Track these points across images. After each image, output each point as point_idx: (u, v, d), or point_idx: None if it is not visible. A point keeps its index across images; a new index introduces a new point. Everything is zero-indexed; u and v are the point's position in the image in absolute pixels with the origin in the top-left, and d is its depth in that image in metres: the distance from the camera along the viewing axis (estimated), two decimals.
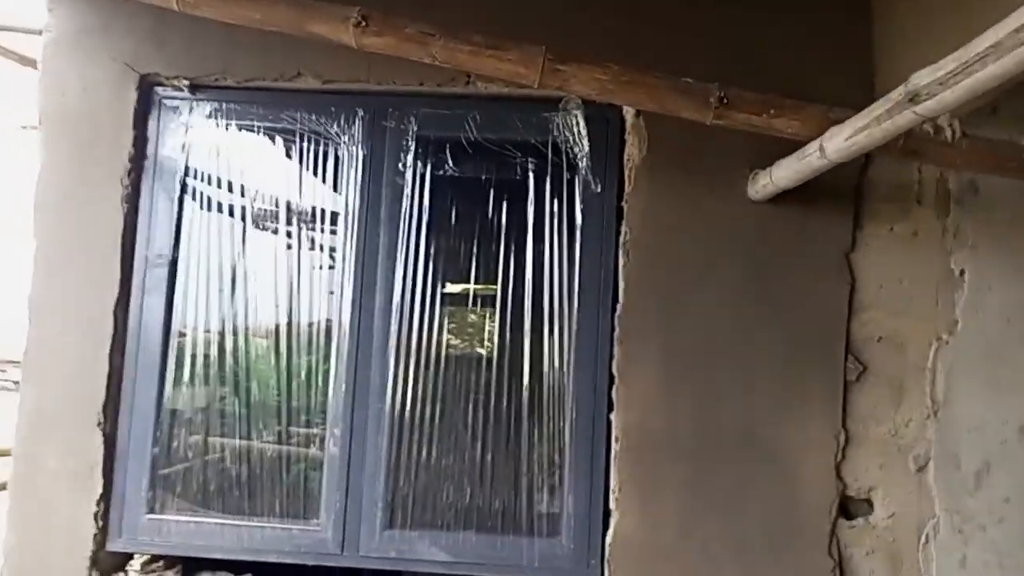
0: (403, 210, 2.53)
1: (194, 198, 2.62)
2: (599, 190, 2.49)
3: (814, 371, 2.36)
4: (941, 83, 1.34)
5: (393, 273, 2.51)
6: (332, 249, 2.62)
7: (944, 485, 2.32)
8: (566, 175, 2.52)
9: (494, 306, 2.61)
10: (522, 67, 1.89)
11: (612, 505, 2.36)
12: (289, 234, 2.66)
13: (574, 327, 2.47)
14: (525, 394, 2.51)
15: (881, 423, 2.35)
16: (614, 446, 2.37)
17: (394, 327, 2.50)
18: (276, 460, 2.59)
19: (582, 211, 2.49)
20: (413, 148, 2.54)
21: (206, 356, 2.60)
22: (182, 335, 2.58)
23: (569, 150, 2.51)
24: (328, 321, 2.58)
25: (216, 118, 2.59)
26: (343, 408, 2.48)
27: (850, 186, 2.40)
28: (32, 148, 2.60)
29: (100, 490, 2.45)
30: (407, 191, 2.53)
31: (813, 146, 1.89)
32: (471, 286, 2.68)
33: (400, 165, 2.54)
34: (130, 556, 2.51)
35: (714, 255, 2.41)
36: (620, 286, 2.42)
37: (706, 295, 2.40)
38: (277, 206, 2.66)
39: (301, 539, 2.46)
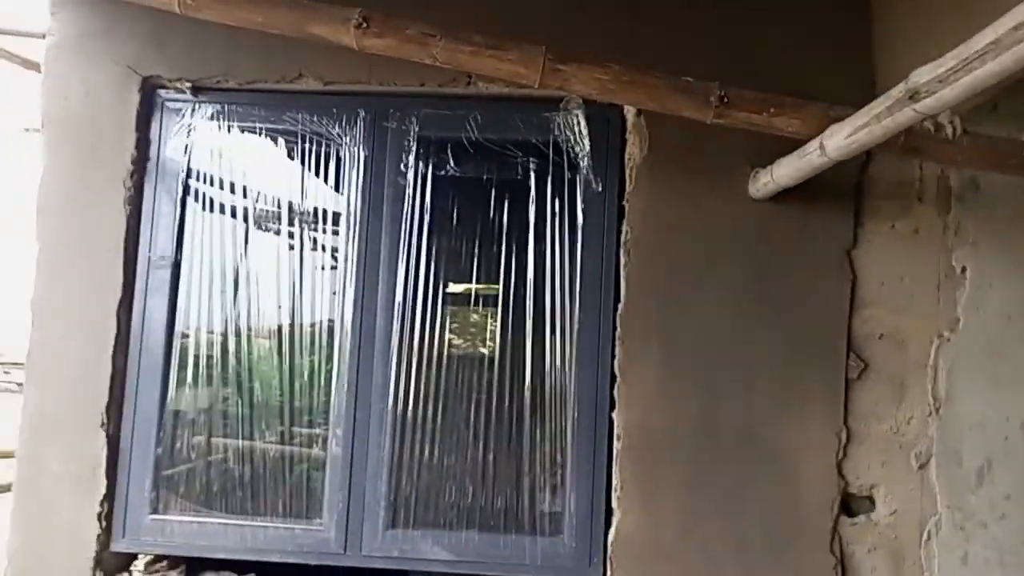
0: (405, 210, 2.54)
1: (197, 200, 2.63)
2: (600, 189, 2.49)
3: (815, 369, 2.37)
4: (941, 80, 1.34)
5: (395, 273, 2.52)
6: (334, 250, 2.63)
7: (946, 482, 2.32)
8: (567, 175, 2.52)
9: (496, 305, 2.61)
10: (522, 67, 1.90)
11: (614, 504, 2.36)
12: (291, 235, 2.66)
13: (575, 326, 2.47)
14: (527, 393, 2.52)
15: (883, 420, 2.35)
16: (616, 445, 2.38)
17: (396, 327, 2.51)
18: (279, 460, 2.60)
19: (583, 210, 2.50)
20: (414, 148, 2.55)
21: (209, 357, 2.61)
22: (185, 336, 2.59)
23: (570, 150, 2.51)
24: (330, 321, 2.59)
25: (218, 120, 2.60)
26: (345, 408, 2.49)
27: (851, 184, 2.40)
28: (35, 151, 2.61)
29: (104, 491, 2.46)
30: (409, 191, 2.54)
31: (813, 144, 1.90)
32: (473, 286, 2.69)
33: (402, 165, 2.55)
34: (134, 556, 2.52)
35: (715, 254, 2.42)
36: (621, 285, 2.42)
37: (707, 294, 2.40)
38: (279, 207, 2.67)
39: (304, 539, 2.46)
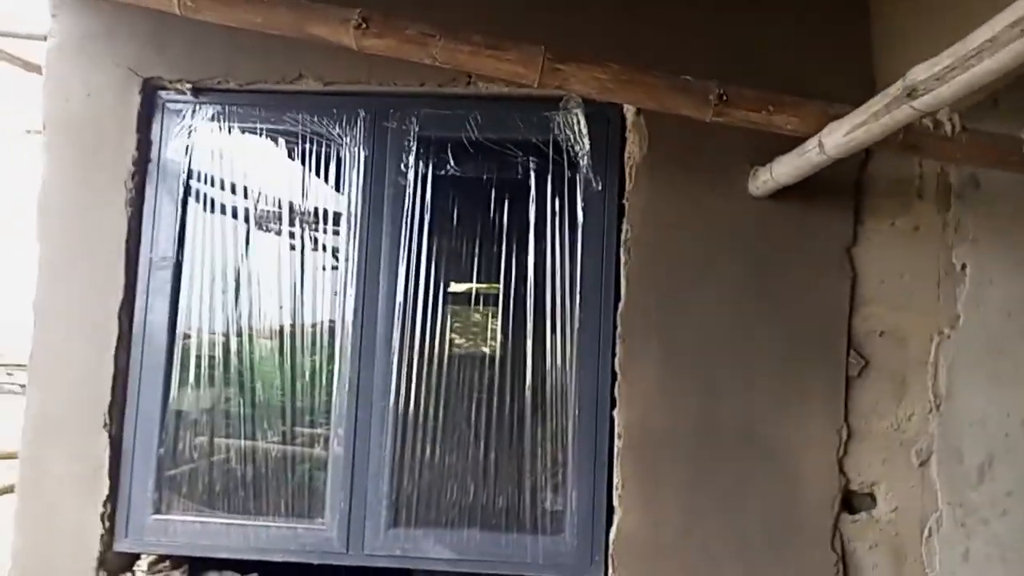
0: (405, 210, 2.54)
1: (198, 200, 2.64)
2: (600, 188, 2.50)
3: (816, 366, 2.37)
4: (938, 78, 1.34)
5: (396, 273, 2.53)
6: (335, 250, 2.63)
7: (947, 479, 2.32)
8: (567, 174, 2.53)
9: (496, 305, 2.62)
10: (521, 67, 1.90)
11: (615, 502, 2.37)
12: (292, 235, 2.67)
13: (576, 325, 2.48)
14: (528, 392, 2.52)
15: (883, 417, 2.36)
16: (617, 443, 2.38)
17: (397, 327, 2.51)
18: (281, 460, 2.60)
19: (583, 209, 2.50)
20: (415, 148, 2.56)
21: (211, 357, 2.61)
22: (187, 337, 2.60)
23: (570, 149, 2.52)
24: (331, 321, 2.60)
25: (219, 121, 2.61)
26: (347, 408, 2.50)
27: (851, 181, 2.41)
28: (36, 152, 2.62)
29: (106, 491, 2.47)
30: (409, 191, 2.55)
31: (812, 142, 1.90)
32: (473, 285, 2.70)
33: (402, 165, 2.56)
34: (137, 556, 2.53)
35: (715, 252, 2.42)
36: (622, 284, 2.43)
37: (707, 292, 2.41)
38: (280, 207, 2.68)
39: (306, 538, 2.47)
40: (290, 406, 2.63)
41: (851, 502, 2.36)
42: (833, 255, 2.40)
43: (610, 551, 2.36)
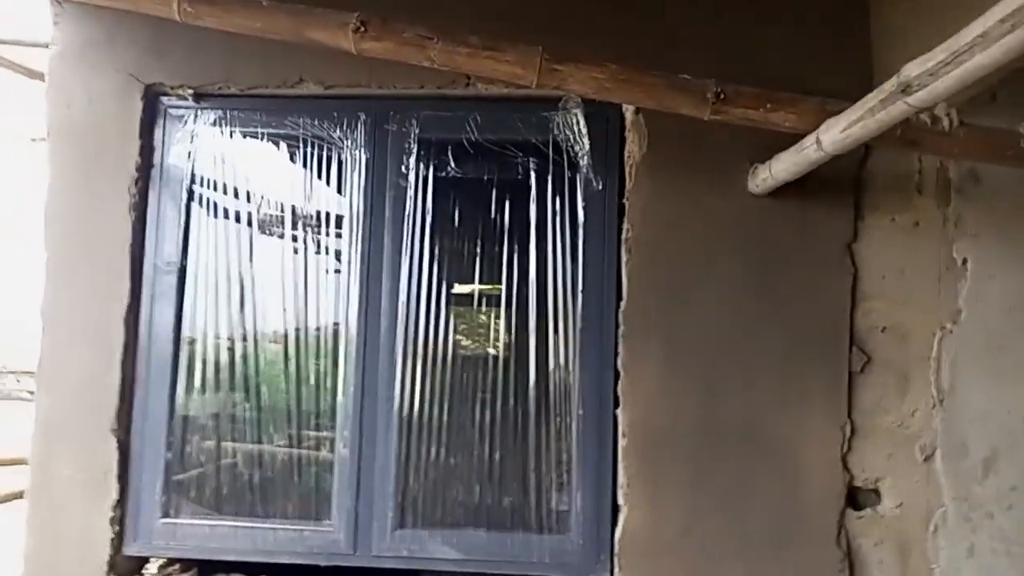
0: (407, 212, 2.55)
1: (201, 205, 2.66)
2: (600, 188, 2.50)
3: (819, 363, 2.37)
4: (932, 73, 1.35)
5: (398, 275, 2.54)
6: (338, 252, 2.65)
7: (951, 474, 2.32)
8: (567, 174, 2.53)
9: (499, 305, 2.63)
10: (519, 68, 1.91)
11: (620, 501, 2.38)
12: (295, 238, 2.69)
13: (579, 324, 2.48)
14: (532, 392, 2.53)
15: (887, 413, 2.36)
16: (621, 442, 2.39)
17: (400, 328, 2.53)
18: (288, 463, 2.62)
19: (584, 209, 2.51)
20: (415, 150, 2.57)
21: (216, 362, 2.63)
22: (192, 341, 2.62)
23: (570, 149, 2.52)
24: (335, 324, 2.61)
25: (220, 125, 2.63)
26: (352, 410, 2.51)
27: (850, 177, 2.41)
28: (39, 159, 2.64)
29: (115, 496, 2.49)
30: (410, 193, 2.56)
31: (810, 139, 1.91)
32: (476, 286, 2.71)
33: (403, 168, 2.57)
34: (146, 560, 2.55)
35: (716, 250, 2.42)
36: (623, 283, 2.43)
37: (709, 290, 2.41)
38: (283, 211, 2.70)
39: (313, 540, 2.49)
40: (296, 409, 2.65)
41: (856, 498, 2.36)
42: (834, 252, 2.40)
43: (616, 550, 2.37)
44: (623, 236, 2.45)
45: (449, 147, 2.58)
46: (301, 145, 2.62)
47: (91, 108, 2.60)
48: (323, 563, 2.48)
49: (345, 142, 2.59)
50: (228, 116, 2.62)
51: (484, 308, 2.72)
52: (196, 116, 2.63)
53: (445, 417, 2.56)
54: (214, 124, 2.63)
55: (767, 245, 2.41)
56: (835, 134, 1.77)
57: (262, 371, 2.67)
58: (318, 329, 2.65)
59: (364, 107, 2.58)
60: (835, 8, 2.47)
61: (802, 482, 2.34)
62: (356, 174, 2.58)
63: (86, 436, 2.51)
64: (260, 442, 2.64)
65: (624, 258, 2.44)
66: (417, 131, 2.57)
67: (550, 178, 2.54)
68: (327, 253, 2.71)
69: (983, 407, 2.33)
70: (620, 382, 2.40)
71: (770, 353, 2.38)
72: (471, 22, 2.02)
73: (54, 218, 2.59)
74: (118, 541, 2.49)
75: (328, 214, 2.68)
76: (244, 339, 2.65)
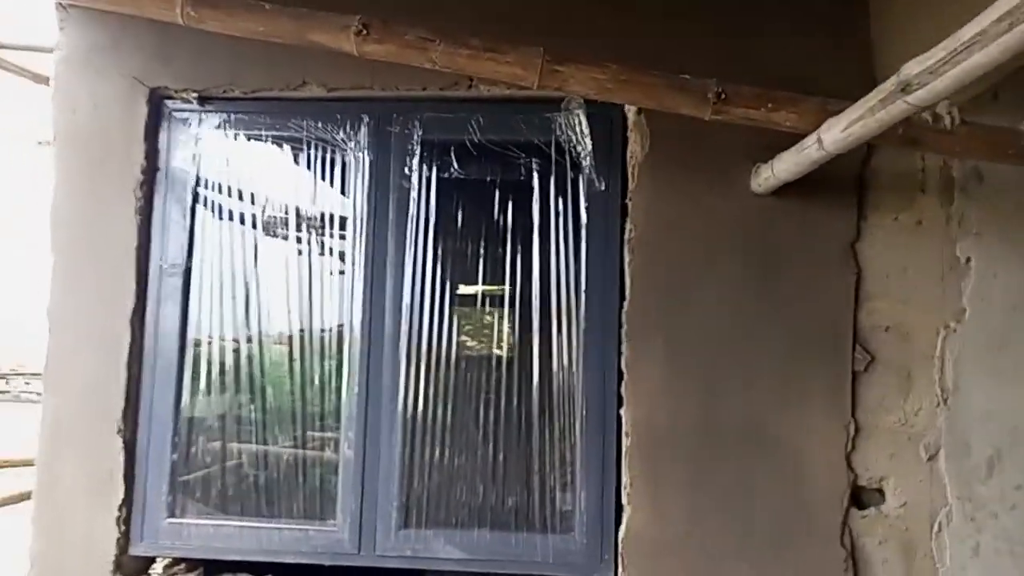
0: (410, 214, 2.57)
1: (206, 207, 2.68)
2: (603, 188, 2.51)
3: (822, 362, 2.37)
4: (931, 72, 1.35)
5: (402, 276, 2.55)
6: (342, 254, 2.66)
7: (955, 473, 2.32)
8: (570, 174, 2.54)
9: (502, 306, 2.64)
10: (520, 69, 1.92)
11: (624, 500, 2.38)
12: (299, 240, 2.70)
13: (582, 325, 2.49)
14: (535, 392, 2.54)
15: (890, 412, 2.36)
16: (624, 442, 2.39)
17: (404, 329, 2.54)
18: (292, 464, 2.63)
19: (587, 209, 2.52)
20: (418, 152, 2.58)
21: (222, 363, 2.65)
22: (197, 343, 2.63)
23: (572, 149, 2.53)
24: (340, 325, 2.62)
25: (225, 128, 2.64)
26: (356, 411, 2.52)
27: (853, 176, 2.41)
28: (38, 160, 2.66)
29: (121, 496, 2.50)
30: (413, 195, 2.57)
31: (811, 138, 1.91)
32: (479, 287, 2.71)
33: (406, 169, 2.58)
34: (152, 559, 2.57)
35: (719, 249, 2.43)
36: (626, 283, 2.44)
37: (712, 289, 2.41)
38: (287, 213, 2.71)
39: (318, 540, 2.50)
40: (300, 410, 2.66)
41: (860, 498, 2.36)
42: (837, 251, 2.40)
43: (619, 550, 2.37)
44: (626, 236, 2.45)
45: (452, 148, 2.59)
46: (305, 147, 2.64)
47: (96, 112, 2.62)
48: (327, 563, 2.49)
49: (348, 144, 2.60)
50: (232, 119, 2.64)
51: (487, 309, 2.73)
52: (200, 119, 2.65)
53: (449, 417, 2.57)
54: (218, 127, 2.64)
55: (770, 245, 2.41)
56: (836, 133, 1.77)
57: (267, 372, 2.68)
58: (323, 330, 2.66)
59: (367, 109, 2.59)
60: (836, 7, 2.47)
61: (805, 481, 2.34)
62: (359, 176, 2.59)
63: (92, 437, 2.53)
64: (265, 443, 2.65)
65: (627, 258, 2.44)
66: (420, 133, 2.58)
67: (552, 179, 2.55)
68: (331, 254, 2.73)
69: (987, 406, 2.32)
70: (623, 382, 2.41)
71: (774, 353, 2.38)
72: (472, 24, 2.03)
73: (60, 221, 2.61)
74: (124, 541, 2.51)
75: (332, 216, 2.69)
76: (249, 340, 2.67)
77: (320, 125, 2.60)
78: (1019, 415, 2.32)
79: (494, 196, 2.62)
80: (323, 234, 2.70)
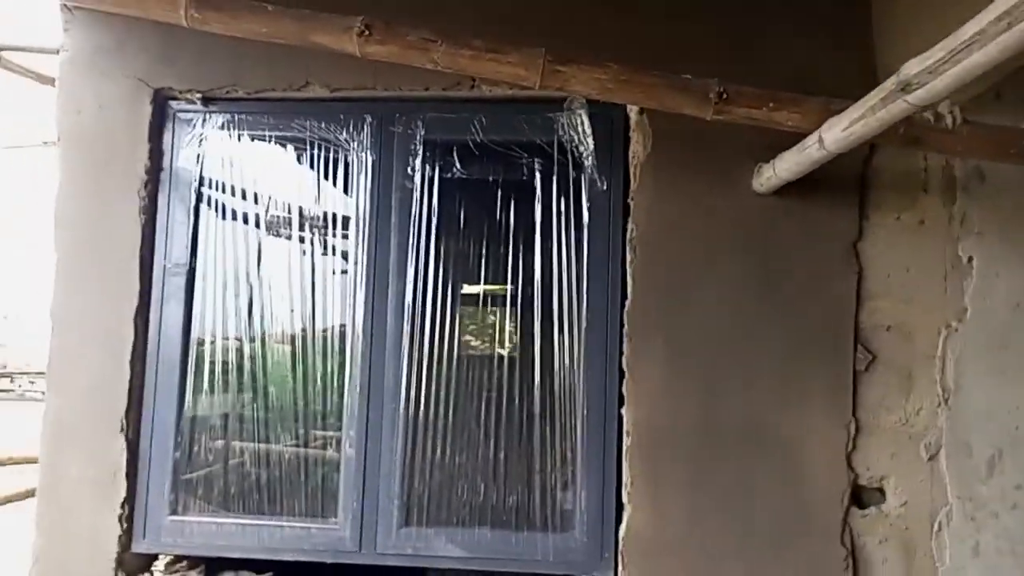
0: (412, 213, 2.57)
1: (210, 207, 2.69)
2: (605, 188, 2.52)
3: (823, 361, 2.37)
4: (931, 72, 1.36)
5: (404, 276, 2.56)
6: (345, 253, 2.67)
7: (956, 473, 2.31)
8: (572, 174, 2.55)
9: (504, 306, 2.65)
10: (522, 69, 1.93)
11: (624, 499, 2.38)
12: (302, 240, 2.71)
13: (584, 324, 2.49)
14: (537, 391, 2.55)
15: (891, 412, 2.36)
16: (625, 441, 2.39)
17: (406, 329, 2.54)
18: (294, 462, 2.64)
19: (589, 209, 2.52)
20: (421, 152, 2.59)
21: (225, 362, 2.66)
22: (201, 342, 2.64)
23: (574, 149, 2.54)
24: (342, 325, 2.63)
25: (228, 129, 2.65)
26: (358, 410, 2.53)
27: (855, 176, 2.41)
28: (50, 162, 2.68)
29: (124, 494, 2.51)
30: (416, 195, 2.58)
31: (813, 138, 1.91)
32: (481, 287, 2.72)
33: (408, 169, 2.59)
34: (154, 557, 2.58)
35: (721, 249, 2.43)
36: (628, 283, 2.44)
37: (713, 289, 2.42)
38: (290, 213, 2.72)
39: (319, 538, 2.51)
40: (303, 409, 2.67)
41: (860, 497, 2.36)
42: (839, 250, 2.40)
43: (619, 548, 2.37)
44: (627, 236, 2.46)
45: (454, 148, 2.60)
46: (308, 147, 2.65)
47: (101, 113, 2.63)
48: (329, 560, 2.50)
49: (351, 144, 2.61)
50: (236, 119, 2.65)
51: (489, 308, 2.74)
52: (204, 120, 2.66)
53: (450, 416, 2.57)
54: (222, 127, 2.65)
55: (772, 244, 2.42)
56: (837, 133, 1.77)
57: (270, 371, 2.69)
58: (325, 330, 2.67)
59: (370, 109, 2.60)
60: (838, 8, 2.47)
61: (806, 481, 2.34)
62: (362, 176, 2.60)
63: (95, 435, 2.54)
64: (267, 441, 2.66)
65: (629, 258, 2.45)
66: (423, 133, 2.59)
67: (555, 179, 2.55)
68: (334, 254, 2.74)
69: (988, 406, 2.32)
70: (624, 381, 2.41)
71: (774, 352, 2.38)
72: (475, 25, 2.04)
73: (65, 222, 2.62)
74: (126, 539, 2.52)
75: (335, 215, 2.70)
76: (252, 340, 2.68)
77: (323, 125, 2.61)
78: (1020, 415, 2.32)
79: (496, 196, 2.62)
80: (326, 234, 2.71)
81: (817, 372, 2.37)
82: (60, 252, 2.62)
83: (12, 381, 15.88)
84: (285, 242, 2.74)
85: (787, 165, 2.14)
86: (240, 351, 2.67)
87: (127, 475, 2.52)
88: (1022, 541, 2.28)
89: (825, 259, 2.40)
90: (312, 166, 2.66)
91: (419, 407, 2.55)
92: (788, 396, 2.37)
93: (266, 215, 2.73)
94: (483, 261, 2.66)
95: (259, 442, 2.66)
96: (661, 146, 2.46)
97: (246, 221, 2.71)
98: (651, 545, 2.36)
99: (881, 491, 2.36)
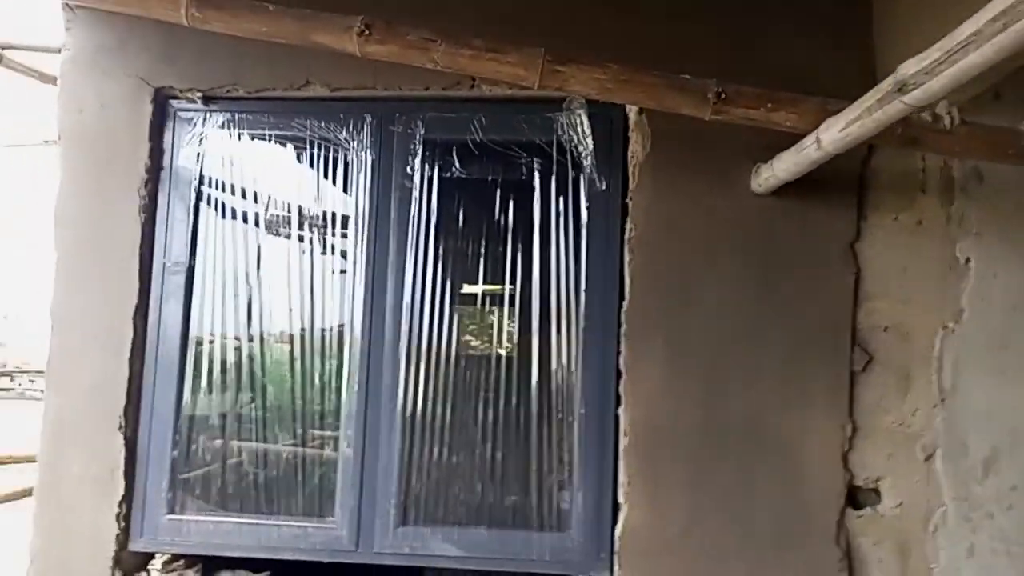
0: (412, 213, 2.58)
1: (209, 206, 2.69)
2: (604, 188, 2.52)
3: (820, 362, 2.38)
4: (927, 72, 1.36)
5: (403, 275, 2.56)
6: (344, 252, 2.68)
7: (952, 473, 2.32)
8: (571, 174, 2.55)
9: (503, 305, 2.65)
10: (522, 69, 1.94)
11: (621, 499, 2.39)
12: (302, 239, 2.72)
13: (582, 324, 2.50)
14: (534, 391, 2.55)
15: (888, 412, 2.36)
16: (622, 441, 2.40)
17: (405, 328, 2.55)
18: (292, 461, 2.64)
19: (587, 209, 2.53)
20: (420, 151, 2.59)
21: (223, 361, 2.66)
22: (199, 341, 2.65)
23: (573, 149, 2.54)
24: (341, 324, 2.64)
25: (229, 128, 2.66)
26: (356, 409, 2.53)
27: (853, 176, 2.41)
28: (51, 161, 2.68)
29: (122, 492, 2.52)
30: (415, 194, 2.58)
31: (810, 138, 1.92)
32: (480, 286, 2.73)
33: (408, 168, 2.59)
34: (152, 556, 2.57)
35: (719, 249, 2.43)
36: (626, 283, 2.45)
37: (711, 289, 2.42)
38: (290, 212, 2.73)
39: (317, 537, 2.51)
40: (301, 409, 2.67)
41: (856, 497, 2.37)
42: (836, 250, 2.41)
43: (616, 548, 2.37)
44: (626, 236, 2.46)
45: (454, 148, 2.60)
46: (308, 146, 2.65)
47: (102, 112, 2.64)
48: (326, 559, 2.50)
49: (351, 143, 2.61)
50: (236, 118, 2.65)
51: (488, 308, 2.74)
52: (205, 119, 2.66)
53: (448, 416, 2.58)
54: (222, 126, 2.66)
55: (770, 244, 2.42)
56: (834, 133, 1.78)
57: (268, 371, 2.70)
58: (324, 329, 2.67)
59: (370, 109, 2.61)
60: (838, 9, 2.48)
61: (803, 481, 2.35)
62: (362, 175, 2.61)
63: (94, 434, 2.54)
64: (265, 441, 2.66)
65: (627, 258, 2.45)
66: (422, 132, 2.59)
67: (554, 178, 2.56)
68: (333, 253, 2.74)
69: (984, 406, 2.33)
70: (622, 381, 2.42)
71: (772, 352, 2.39)
72: (475, 25, 2.04)
73: (65, 220, 2.63)
74: (124, 537, 2.52)
75: (334, 214, 2.71)
76: (251, 339, 2.68)
77: (323, 124, 2.62)
78: (1017, 416, 2.32)
79: (495, 195, 2.63)
80: (325, 233, 2.71)
81: (815, 372, 2.37)
82: (60, 251, 2.62)
83: (12, 380, 15.95)
84: (284, 241, 2.74)
85: (785, 165, 2.15)
86: (239, 350, 2.68)
87: (125, 474, 2.53)
88: (1017, 542, 2.29)
89: (823, 259, 2.41)
90: (312, 165, 2.67)
91: (417, 406, 2.55)
92: (785, 397, 2.37)
93: (266, 214, 2.73)
94: (482, 261, 2.67)
95: (257, 441, 2.66)
96: (660, 146, 2.47)
97: (246, 220, 2.72)
98: (648, 545, 2.36)
99: (877, 492, 2.36)
